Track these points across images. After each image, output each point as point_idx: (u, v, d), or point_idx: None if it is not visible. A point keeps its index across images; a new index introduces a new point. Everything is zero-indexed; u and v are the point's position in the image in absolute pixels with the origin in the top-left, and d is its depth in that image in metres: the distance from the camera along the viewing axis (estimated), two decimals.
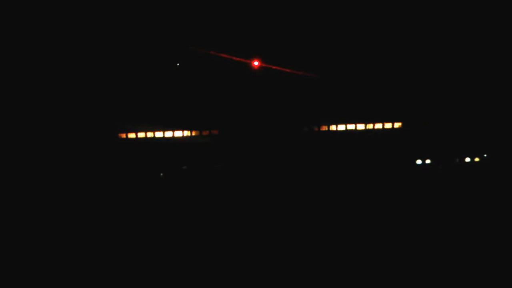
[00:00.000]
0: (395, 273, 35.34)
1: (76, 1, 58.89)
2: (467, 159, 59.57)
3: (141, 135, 63.86)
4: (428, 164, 60.27)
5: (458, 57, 63.07)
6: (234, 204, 52.35)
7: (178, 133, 64.95)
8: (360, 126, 63.28)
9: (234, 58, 58.70)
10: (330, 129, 63.89)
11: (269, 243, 42.44)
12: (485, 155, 59.27)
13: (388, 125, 62.38)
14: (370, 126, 63.07)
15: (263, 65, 61.03)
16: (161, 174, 62.10)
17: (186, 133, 65.22)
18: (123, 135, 63.22)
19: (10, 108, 57.85)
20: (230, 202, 53.23)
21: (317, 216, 47.82)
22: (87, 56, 62.10)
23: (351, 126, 63.36)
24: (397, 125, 61.93)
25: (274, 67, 60.30)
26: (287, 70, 60.08)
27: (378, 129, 62.25)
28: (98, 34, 61.25)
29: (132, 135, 63.53)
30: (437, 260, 36.66)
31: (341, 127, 63.85)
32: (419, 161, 60.28)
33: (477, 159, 59.23)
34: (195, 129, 65.23)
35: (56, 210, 50.74)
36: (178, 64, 62.09)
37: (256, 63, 60.99)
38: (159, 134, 64.60)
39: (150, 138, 64.30)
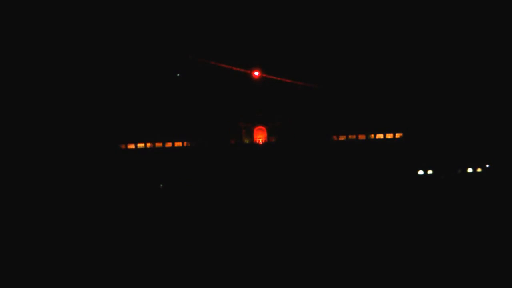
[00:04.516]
0: (394, 280, 34.73)
1: (80, 20, 59.36)
2: (469, 170, 59.08)
3: (141, 145, 63.48)
4: (430, 174, 59.75)
5: (460, 70, 62.94)
6: (235, 213, 51.65)
7: (178, 144, 64.56)
8: (361, 137, 62.93)
9: (234, 68, 58.81)
10: (332, 139, 63.47)
11: (269, 247, 41.78)
12: (487, 166, 58.75)
13: (389, 136, 62.05)
14: (371, 136, 62.71)
15: (264, 75, 61.05)
16: (161, 185, 61.57)
17: (186, 143, 64.92)
18: (123, 146, 62.95)
19: (18, 120, 58.19)
20: (230, 212, 52.52)
21: (320, 226, 47.13)
22: (89, 71, 62.26)
23: (352, 137, 62.98)
24: (398, 135, 61.59)
25: (274, 78, 60.35)
26: (288, 80, 60.06)
27: (379, 140, 61.85)
28: (102, 48, 61.47)
29: (132, 146, 63.25)
30: (438, 269, 36.04)
31: (342, 138, 63.46)
32: (421, 172, 59.77)
33: (479, 170, 58.69)
34: (195, 140, 64.87)
35: (57, 216, 50.32)
36: (178, 75, 62.06)
37: (256, 73, 61.02)
38: (159, 145, 64.22)
39: (150, 148, 63.88)
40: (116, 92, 62.72)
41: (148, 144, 63.81)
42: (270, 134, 67.30)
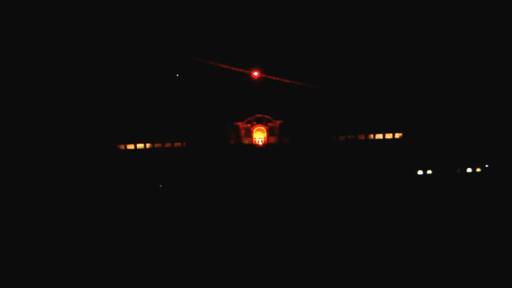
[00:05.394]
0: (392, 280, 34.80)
1: (80, 20, 59.48)
2: (469, 170, 59.08)
3: (140, 146, 63.39)
4: (429, 174, 59.72)
5: (459, 71, 62.99)
6: (234, 215, 51.62)
7: (178, 144, 64.51)
8: (361, 137, 62.90)
9: (233, 68, 58.83)
10: (331, 139, 63.41)
11: (267, 246, 41.78)
12: (486, 166, 58.76)
13: (389, 136, 62.04)
14: (371, 136, 62.68)
15: (263, 75, 61.11)
16: (160, 185, 61.44)
17: (186, 144, 64.82)
18: (122, 146, 62.83)
19: (16, 121, 58.28)
20: (230, 213, 52.47)
21: (320, 226, 47.19)
22: (88, 71, 62.29)
23: (351, 137, 62.93)
24: (398, 135, 61.58)
25: (274, 78, 60.39)
26: (287, 80, 60.08)
27: (379, 140, 61.82)
28: (101, 49, 61.52)
29: (131, 146, 63.14)
30: (437, 268, 36.06)
31: (342, 138, 63.39)
32: (420, 172, 59.74)
33: (478, 170, 58.70)
34: (195, 140, 64.81)
35: (57, 217, 50.30)
36: (177, 75, 62.06)
37: (256, 73, 61.07)
38: (158, 145, 64.14)
39: (150, 149, 63.77)
40: (115, 93, 62.69)
41: (148, 145, 63.76)
42: (269, 134, 67.23)
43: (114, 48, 60.73)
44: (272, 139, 67.97)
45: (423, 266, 37.95)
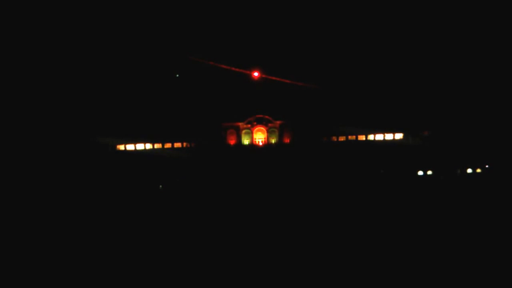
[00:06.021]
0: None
1: (79, 20, 59.48)
2: (469, 170, 59.11)
3: (140, 146, 63.45)
4: (429, 175, 59.76)
5: (459, 72, 63.11)
6: (234, 215, 51.50)
7: (178, 145, 64.56)
8: (361, 137, 63.00)
9: (234, 69, 58.92)
10: (331, 140, 63.47)
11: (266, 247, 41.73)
12: (486, 166, 58.82)
13: (389, 136, 62.11)
14: (371, 137, 62.74)
15: (263, 75, 61.18)
16: (160, 186, 61.47)
17: (186, 144, 64.90)
18: (122, 147, 62.86)
19: (16, 122, 58.23)
20: (230, 213, 52.35)
21: (321, 227, 47.11)
22: (89, 72, 62.34)
23: (352, 137, 63.04)
24: (398, 136, 61.65)
25: (274, 78, 60.49)
26: (287, 81, 60.16)
27: (379, 140, 61.89)
28: (102, 49, 61.59)
29: (131, 147, 63.19)
30: (438, 268, 35.99)
31: (342, 138, 63.48)
32: (420, 172, 59.76)
33: (478, 170, 58.74)
34: (195, 141, 64.86)
35: (58, 218, 50.11)
36: (178, 75, 62.16)
37: (256, 74, 61.14)
38: (158, 145, 64.17)
39: (150, 149, 63.84)
40: (116, 94, 62.80)
41: (148, 145, 63.85)
42: (270, 135, 67.33)
43: (114, 48, 60.81)
44: (272, 140, 68.06)
45: (423, 265, 37.91)
